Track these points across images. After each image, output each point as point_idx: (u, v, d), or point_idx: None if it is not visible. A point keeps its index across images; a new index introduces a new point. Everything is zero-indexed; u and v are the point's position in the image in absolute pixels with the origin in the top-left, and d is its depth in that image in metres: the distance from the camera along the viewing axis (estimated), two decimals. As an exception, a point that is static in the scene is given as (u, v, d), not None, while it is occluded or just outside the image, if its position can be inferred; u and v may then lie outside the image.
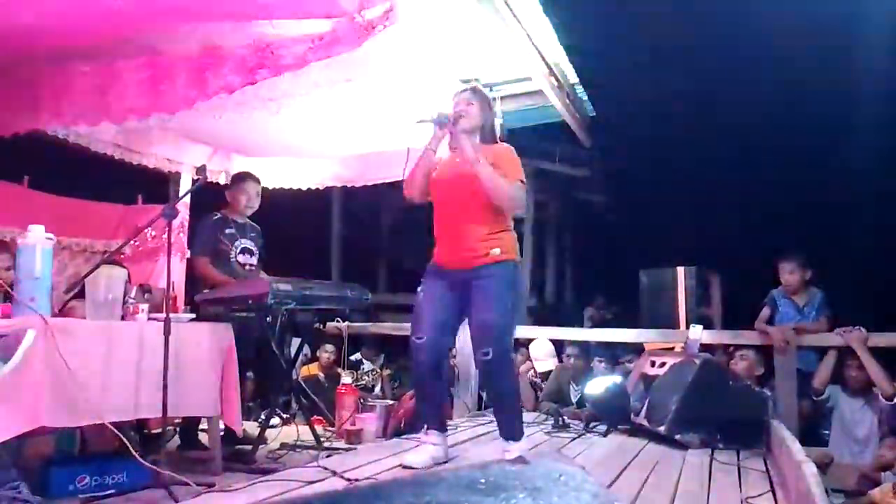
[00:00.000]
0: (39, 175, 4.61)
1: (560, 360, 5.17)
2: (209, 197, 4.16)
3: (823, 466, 3.56)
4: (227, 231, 3.94)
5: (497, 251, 2.95)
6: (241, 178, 4.14)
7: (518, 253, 3.08)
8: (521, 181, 3.00)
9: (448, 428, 3.15)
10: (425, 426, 3.09)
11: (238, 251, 3.95)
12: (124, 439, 2.56)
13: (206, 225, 3.96)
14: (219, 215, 3.99)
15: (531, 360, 5.31)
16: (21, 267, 2.54)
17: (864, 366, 4.00)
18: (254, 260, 4.05)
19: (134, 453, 2.53)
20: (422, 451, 2.98)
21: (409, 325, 3.13)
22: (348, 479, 2.52)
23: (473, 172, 2.91)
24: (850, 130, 9.91)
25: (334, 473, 2.60)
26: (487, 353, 2.86)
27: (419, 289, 3.09)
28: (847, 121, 9.95)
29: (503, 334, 2.92)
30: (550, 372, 5.17)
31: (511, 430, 3.01)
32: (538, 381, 5.22)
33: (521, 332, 5.66)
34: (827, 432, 4.27)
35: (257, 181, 4.13)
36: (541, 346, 5.31)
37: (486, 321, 2.88)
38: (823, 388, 4.21)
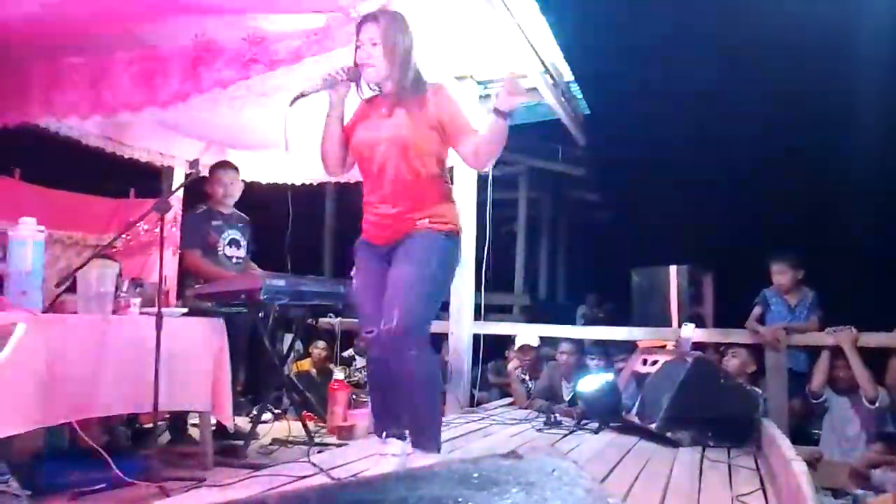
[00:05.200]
0: (30, 168, 4.58)
1: (553, 358, 5.17)
2: (202, 191, 4.13)
3: (813, 464, 3.58)
4: (214, 223, 3.90)
5: (426, 221, 2.44)
6: (215, 167, 4.08)
7: (459, 223, 2.54)
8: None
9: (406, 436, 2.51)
10: (384, 434, 2.54)
11: (226, 243, 3.92)
12: (93, 444, 2.54)
13: (192, 218, 3.93)
14: (204, 207, 3.96)
15: (517, 358, 5.32)
16: (12, 260, 2.52)
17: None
18: (242, 252, 4.01)
19: (106, 457, 2.50)
20: (381, 465, 2.44)
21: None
22: (334, 479, 2.49)
23: (400, 129, 2.42)
24: (845, 131, 9.96)
25: (321, 470, 2.58)
26: (391, 319, 2.29)
27: (353, 270, 2.61)
28: (842, 121, 9.99)
29: (419, 300, 2.34)
30: (532, 350, 5.21)
31: (431, 439, 2.43)
32: (525, 377, 5.24)
33: (513, 329, 5.68)
34: (817, 431, 4.29)
35: (233, 169, 4.06)
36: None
37: (400, 276, 2.36)
38: (821, 390, 4.21)
